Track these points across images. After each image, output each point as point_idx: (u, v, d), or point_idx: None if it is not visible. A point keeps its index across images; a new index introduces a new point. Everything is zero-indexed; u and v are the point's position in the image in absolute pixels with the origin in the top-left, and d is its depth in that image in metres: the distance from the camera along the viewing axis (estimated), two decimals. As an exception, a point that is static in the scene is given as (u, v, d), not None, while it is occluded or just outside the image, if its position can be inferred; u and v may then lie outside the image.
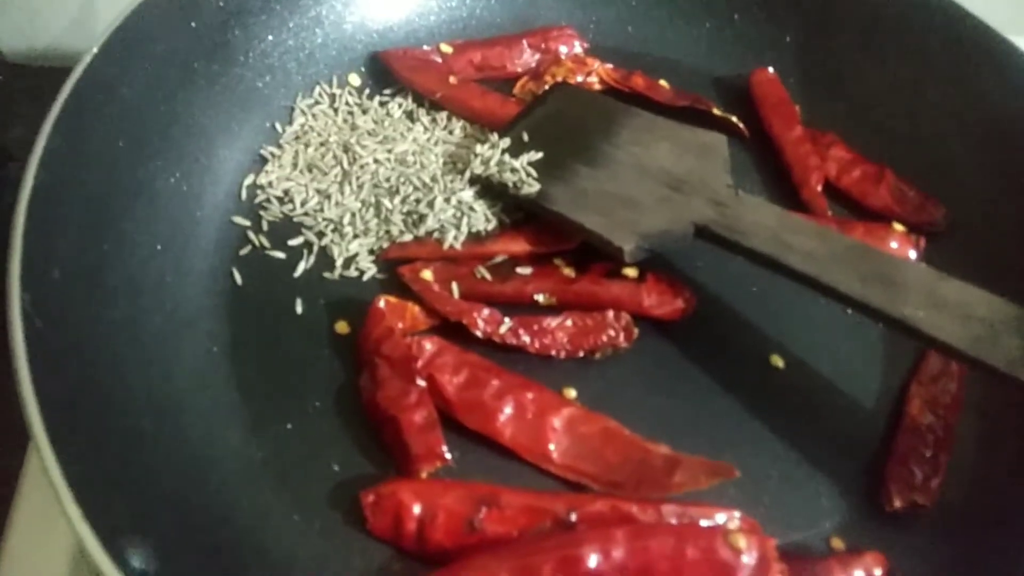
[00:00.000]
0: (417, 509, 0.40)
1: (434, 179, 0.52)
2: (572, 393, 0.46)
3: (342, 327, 0.47)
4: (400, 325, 0.46)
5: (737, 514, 0.41)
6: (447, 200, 0.51)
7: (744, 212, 0.48)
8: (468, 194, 0.51)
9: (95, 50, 0.44)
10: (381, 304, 0.46)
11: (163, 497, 0.38)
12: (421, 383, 0.44)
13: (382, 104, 0.57)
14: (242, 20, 0.53)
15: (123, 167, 0.45)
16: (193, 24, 0.50)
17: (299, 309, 0.48)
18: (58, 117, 0.41)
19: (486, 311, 0.46)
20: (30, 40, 0.75)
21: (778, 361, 0.49)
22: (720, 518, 0.41)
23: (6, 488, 0.43)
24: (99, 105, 0.44)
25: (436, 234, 0.50)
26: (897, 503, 0.44)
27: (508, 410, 0.44)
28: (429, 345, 0.45)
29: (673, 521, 0.41)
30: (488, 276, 0.49)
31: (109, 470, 0.36)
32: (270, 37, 0.55)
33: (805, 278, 0.46)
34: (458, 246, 0.50)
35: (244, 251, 0.49)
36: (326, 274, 0.49)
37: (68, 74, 0.62)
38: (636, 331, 0.48)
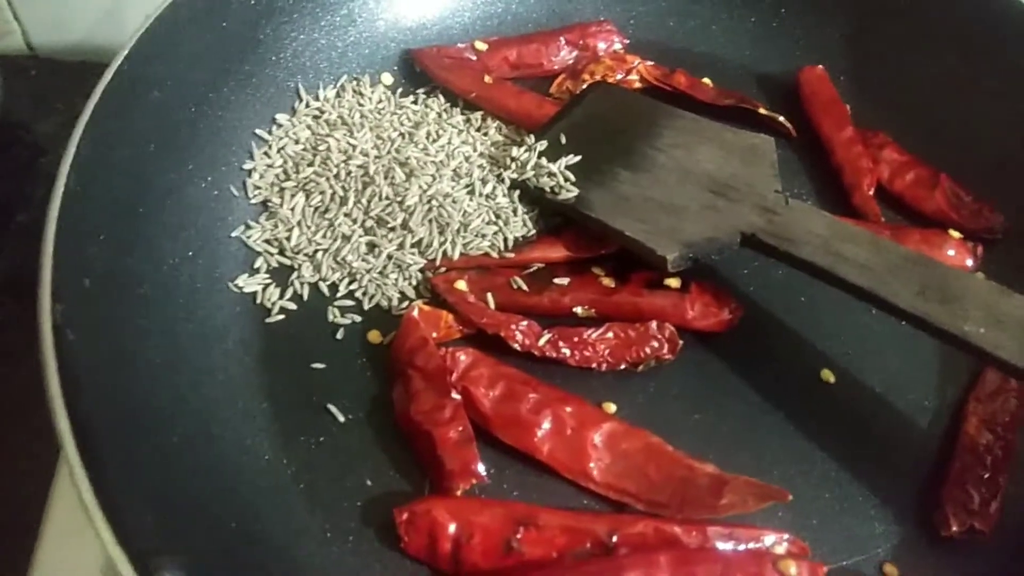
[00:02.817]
0: (452, 528, 0.39)
1: (470, 184, 0.50)
2: (612, 407, 0.45)
3: (375, 336, 0.46)
4: (434, 334, 0.45)
5: (786, 537, 0.40)
6: (484, 206, 0.49)
7: (794, 220, 0.46)
8: (505, 199, 0.50)
9: (124, 52, 0.44)
10: (415, 313, 0.45)
11: (194, 513, 0.37)
12: (456, 396, 0.42)
13: (415, 103, 0.56)
14: (273, 19, 0.52)
15: (153, 172, 0.44)
16: (224, 24, 0.49)
17: (330, 317, 0.47)
18: (88, 122, 0.41)
19: (524, 323, 0.45)
20: (61, 35, 0.76)
21: (829, 376, 0.47)
22: (768, 541, 0.40)
23: (36, 503, 0.42)
24: (129, 109, 0.43)
25: (472, 242, 0.49)
26: (954, 527, 0.42)
27: (546, 425, 0.42)
28: (464, 357, 0.44)
29: (719, 544, 0.39)
30: (525, 287, 0.47)
31: (140, 487, 0.35)
32: (302, 36, 0.54)
33: (859, 290, 0.44)
34: (495, 254, 0.48)
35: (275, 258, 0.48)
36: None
37: (99, 69, 0.61)
38: (680, 343, 0.46)
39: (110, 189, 0.41)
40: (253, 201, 0.50)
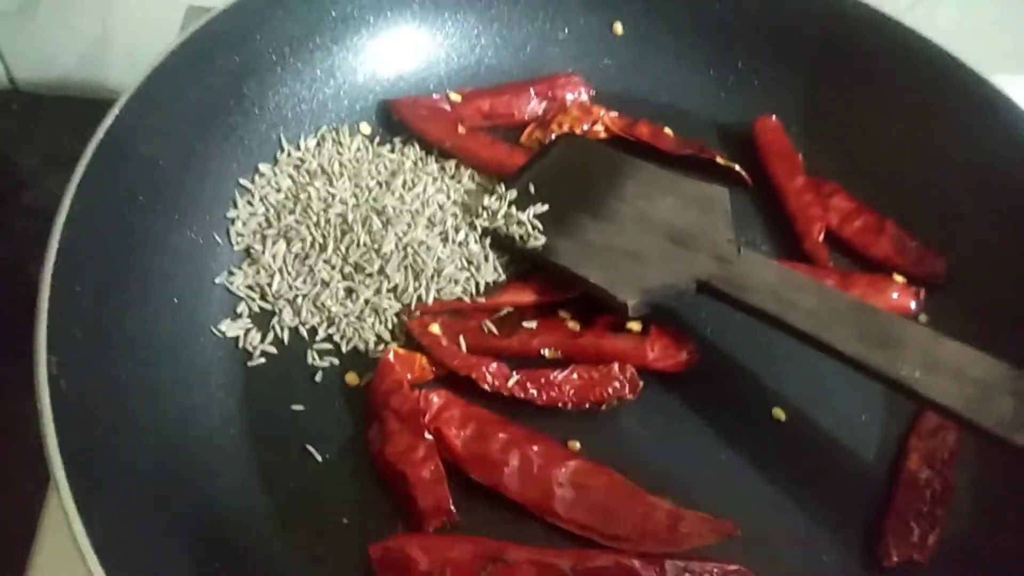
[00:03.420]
0: (425, 564, 0.41)
1: (443, 232, 0.53)
2: (577, 445, 0.47)
3: (352, 378, 0.48)
4: (409, 376, 0.48)
5: (737, 568, 0.42)
6: (456, 252, 0.52)
7: (746, 268, 0.49)
8: (477, 246, 0.52)
9: (115, 111, 0.46)
10: (391, 356, 0.48)
11: (178, 552, 0.39)
12: (429, 437, 0.45)
13: (392, 151, 0.58)
14: (257, 74, 0.54)
15: (141, 223, 0.46)
16: (210, 81, 0.51)
17: (310, 360, 0.49)
18: (80, 179, 0.43)
19: (494, 365, 0.47)
20: (44, 70, 0.77)
21: (780, 413, 0.50)
22: (719, 573, 0.42)
23: (26, 528, 0.44)
24: (119, 164, 0.45)
25: (445, 287, 0.51)
26: (894, 558, 0.45)
27: (514, 463, 0.45)
28: (436, 399, 0.47)
29: (675, 577, 0.42)
30: (495, 330, 0.50)
31: (128, 527, 0.37)
32: (284, 89, 0.56)
33: (805, 335, 0.47)
34: (467, 299, 0.51)
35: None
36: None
37: (81, 104, 0.62)
38: (641, 384, 0.49)
39: (101, 242, 0.43)
40: (236, 248, 0.52)
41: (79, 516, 0.34)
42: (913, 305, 0.55)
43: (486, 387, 0.47)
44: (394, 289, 0.51)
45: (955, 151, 0.60)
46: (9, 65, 0.77)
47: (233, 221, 0.52)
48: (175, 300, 0.47)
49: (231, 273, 0.51)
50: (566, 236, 0.52)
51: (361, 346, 0.50)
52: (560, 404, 0.48)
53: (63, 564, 0.43)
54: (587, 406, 0.48)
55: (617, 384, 0.48)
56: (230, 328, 0.49)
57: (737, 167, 0.60)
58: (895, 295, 0.55)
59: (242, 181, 0.54)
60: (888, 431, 0.51)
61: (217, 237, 0.51)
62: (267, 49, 0.55)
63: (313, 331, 0.50)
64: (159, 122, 0.48)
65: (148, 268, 0.46)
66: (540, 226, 0.53)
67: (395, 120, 0.59)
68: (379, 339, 0.50)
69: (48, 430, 0.35)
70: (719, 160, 0.60)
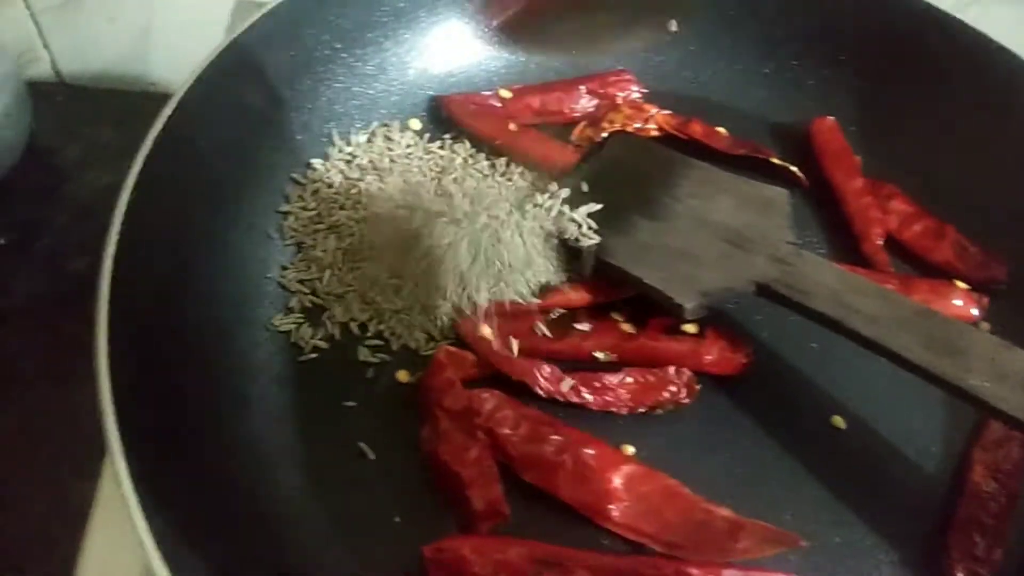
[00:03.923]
0: (478, 566, 0.40)
1: (494, 232, 0.52)
2: (631, 450, 0.46)
3: (403, 375, 0.48)
4: (461, 375, 0.47)
5: (796, 579, 0.41)
6: (508, 252, 0.51)
7: (806, 271, 0.48)
8: (529, 246, 0.52)
9: (173, 105, 0.45)
10: (442, 355, 0.47)
11: (229, 548, 0.39)
12: (482, 437, 0.44)
13: (442, 148, 0.58)
14: (310, 71, 0.54)
15: (197, 218, 0.46)
16: (264, 77, 0.51)
17: (361, 356, 0.49)
18: (139, 172, 0.43)
19: (547, 369, 0.47)
20: (88, 63, 0.77)
21: (839, 421, 0.49)
22: (778, 584, 0.41)
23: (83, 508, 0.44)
24: (176, 158, 0.45)
25: (496, 287, 0.50)
26: (959, 575, 0.43)
27: (568, 465, 0.44)
28: (489, 399, 0.46)
29: (733, 587, 0.41)
30: (547, 332, 0.49)
31: (188, 523, 0.37)
32: (336, 85, 0.56)
33: (867, 341, 0.45)
34: (519, 300, 0.50)
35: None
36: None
37: (125, 97, 0.62)
38: (699, 387, 0.48)
39: (158, 236, 0.43)
40: (288, 243, 0.52)
41: (135, 493, 0.34)
42: (975, 312, 0.53)
43: (539, 391, 0.46)
44: (444, 288, 0.50)
45: (1018, 153, 0.58)
46: (55, 58, 0.77)
47: (285, 216, 0.52)
48: (229, 294, 0.47)
49: (283, 268, 0.51)
50: (620, 236, 0.51)
51: (411, 344, 0.49)
52: (615, 409, 0.47)
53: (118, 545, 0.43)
54: (641, 410, 0.47)
55: (673, 388, 0.47)
56: (283, 323, 0.49)
57: (793, 167, 0.59)
58: (958, 301, 0.53)
59: (294, 176, 0.53)
60: (949, 441, 0.49)
61: (270, 232, 0.51)
62: (319, 45, 0.55)
63: (363, 327, 0.50)
64: (214, 115, 0.48)
65: (203, 262, 0.46)
66: (594, 225, 0.52)
67: (445, 117, 0.59)
68: (429, 337, 0.50)
69: (108, 416, 0.35)
70: (774, 160, 0.59)
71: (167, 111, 0.45)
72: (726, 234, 0.51)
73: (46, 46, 0.76)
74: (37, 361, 0.55)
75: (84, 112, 0.77)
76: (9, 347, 0.56)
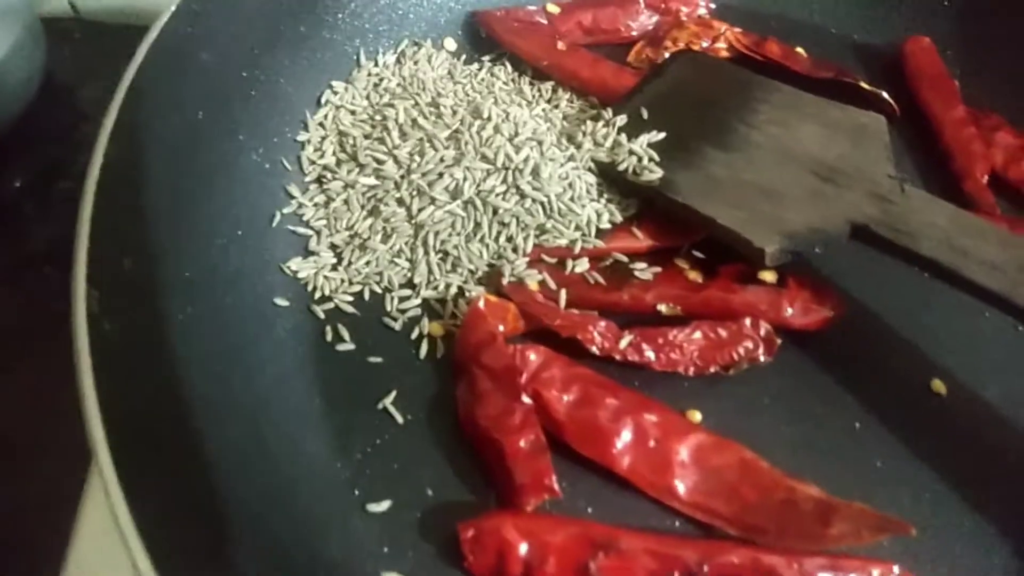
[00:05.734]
0: (524, 549, 0.35)
1: (536, 166, 0.45)
2: (697, 416, 0.41)
3: (436, 328, 0.43)
4: (501, 328, 0.41)
5: (896, 569, 0.36)
6: (555, 190, 0.45)
7: (912, 209, 0.42)
8: (580, 182, 0.45)
9: (171, 9, 0.40)
10: (481, 304, 0.41)
11: (240, 526, 0.34)
12: (527, 400, 0.38)
13: (480, 71, 0.52)
14: (332, -25, 0.48)
15: (201, 142, 0.41)
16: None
17: (388, 306, 0.43)
18: (130, 86, 0.37)
19: (602, 323, 0.41)
20: (106, -2, 0.73)
21: (940, 386, 0.43)
22: (876, 574, 0.35)
23: (66, 514, 0.39)
24: (175, 72, 0.40)
25: (542, 230, 0.44)
26: (1089, 566, 0.37)
27: (626, 435, 0.39)
28: (534, 356, 0.40)
29: (823, 579, 0.35)
30: (602, 281, 0.43)
31: (182, 498, 0.32)
32: (362, -7, 0.50)
33: (987, 293, 0.39)
34: (568, 245, 0.44)
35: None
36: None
37: (145, 32, 0.57)
38: (779, 342, 0.41)
39: (154, 161, 0.38)
40: (307, 177, 0.46)
41: (121, 488, 0.28)
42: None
43: (595, 349, 0.41)
44: (481, 234, 0.44)
45: None
46: (71, -10, 0.73)
47: (304, 146, 0.47)
48: (239, 232, 0.42)
49: (301, 205, 0.45)
50: (687, 169, 0.45)
51: (444, 293, 0.43)
52: (682, 368, 0.41)
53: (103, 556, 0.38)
54: (711, 370, 0.41)
55: (749, 344, 0.41)
56: (301, 267, 0.43)
57: (884, 94, 0.53)
58: (1078, 248, 0.46)
59: (314, 99, 0.47)
60: (1069, 412, 0.43)
61: (286, 163, 0.46)
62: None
63: (390, 275, 0.44)
64: (220, 26, 0.43)
65: (208, 194, 0.41)
66: (656, 157, 0.46)
67: (484, 35, 0.54)
68: (465, 285, 0.43)
69: (86, 380, 0.29)
70: (862, 85, 0.53)
71: (166, 14, 0.40)
72: (815, 167, 0.44)
73: (60, -23, 0.71)
74: (64, 309, 0.51)
75: (102, 49, 0.74)
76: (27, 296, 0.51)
